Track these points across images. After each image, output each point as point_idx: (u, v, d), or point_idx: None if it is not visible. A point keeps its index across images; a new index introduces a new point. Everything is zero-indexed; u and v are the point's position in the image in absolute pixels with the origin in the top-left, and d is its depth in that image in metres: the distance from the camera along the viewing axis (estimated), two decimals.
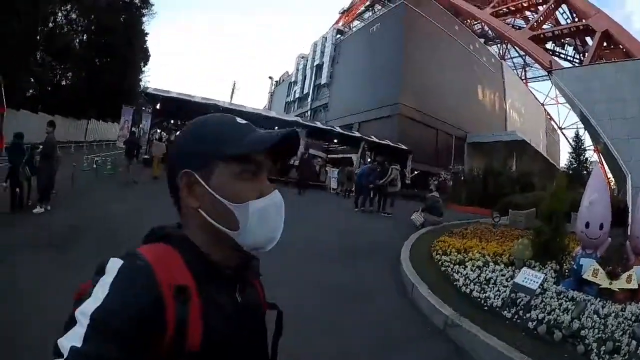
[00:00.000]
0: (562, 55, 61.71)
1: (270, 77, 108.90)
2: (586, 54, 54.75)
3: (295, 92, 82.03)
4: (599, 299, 6.03)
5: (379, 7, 69.73)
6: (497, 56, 73.03)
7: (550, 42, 59.99)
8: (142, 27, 50.28)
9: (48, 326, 1.71)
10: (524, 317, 5.51)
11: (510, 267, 7.81)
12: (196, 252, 1.06)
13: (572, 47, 61.91)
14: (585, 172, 34.10)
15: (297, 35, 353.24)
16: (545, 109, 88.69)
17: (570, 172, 39.69)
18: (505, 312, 5.74)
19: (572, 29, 55.78)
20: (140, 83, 48.01)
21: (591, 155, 48.37)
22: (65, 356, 0.79)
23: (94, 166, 20.33)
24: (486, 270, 7.53)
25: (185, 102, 27.25)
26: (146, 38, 51.96)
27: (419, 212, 15.19)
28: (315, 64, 71.43)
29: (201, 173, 1.07)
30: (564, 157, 68.95)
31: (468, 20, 70.08)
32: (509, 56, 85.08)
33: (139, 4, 48.85)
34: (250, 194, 1.08)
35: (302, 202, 20.16)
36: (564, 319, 5.30)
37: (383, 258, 9.67)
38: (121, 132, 27.11)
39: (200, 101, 27.09)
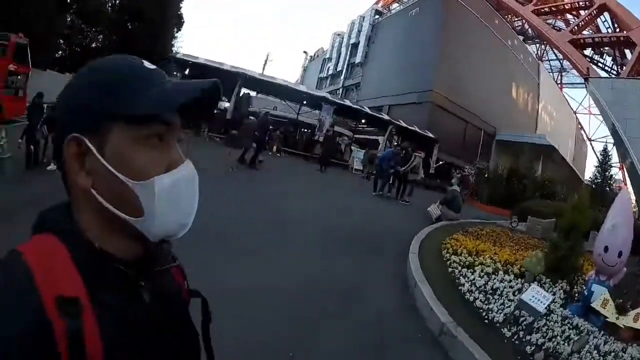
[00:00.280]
0: (600, 65, 60.38)
1: (304, 52, 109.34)
2: (624, 66, 53.49)
3: (328, 68, 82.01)
4: (602, 332, 5.67)
5: None
6: (534, 56, 71.66)
7: (589, 48, 58.71)
8: None
9: None
10: (524, 340, 5.19)
11: (519, 280, 7.35)
12: (87, 246, 0.82)
13: (610, 58, 60.64)
14: (608, 189, 33.18)
15: (335, 12, 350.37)
16: (576, 117, 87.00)
17: (594, 186, 39.00)
18: (506, 329, 5.41)
19: (612, 39, 54.54)
20: (173, 49, 48.09)
21: (616, 172, 47.48)
22: None
23: None
24: (494, 278, 7.14)
25: (213, 69, 27.22)
26: (181, 4, 52.13)
27: (436, 204, 14.76)
28: (351, 42, 71.18)
29: (93, 138, 0.82)
30: (589, 170, 68.10)
31: (509, 16, 68.84)
32: (546, 58, 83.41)
33: None
34: (157, 167, 0.85)
35: (321, 179, 20.36)
36: (564, 349, 5.01)
37: (391, 249, 9.35)
38: None
39: (229, 69, 27.00)
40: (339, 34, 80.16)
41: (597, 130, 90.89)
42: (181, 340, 0.99)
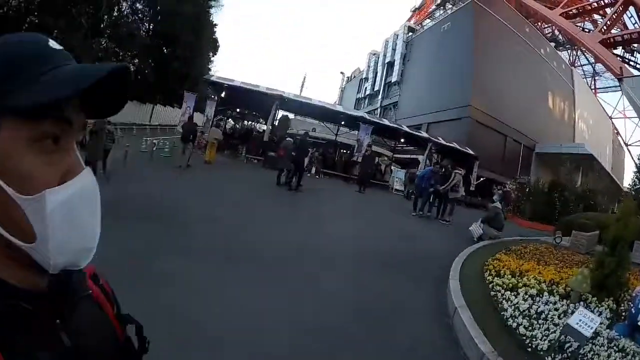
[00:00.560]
0: (632, 63, 59.42)
1: (341, 73, 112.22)
2: None
3: (365, 88, 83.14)
4: None
5: (450, 6, 68.93)
6: (567, 62, 70.65)
7: (620, 47, 57.76)
8: (210, 19, 51.81)
9: None
10: None
11: (565, 301, 7.14)
12: None
13: None
14: None
15: (370, 32, 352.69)
16: (612, 123, 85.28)
17: (634, 192, 38.21)
18: (549, 358, 5.22)
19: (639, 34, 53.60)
20: (210, 72, 48.99)
21: None
22: None
23: (153, 149, 20.81)
24: (539, 301, 6.95)
25: (248, 91, 27.46)
26: (215, 29, 53.99)
27: (478, 223, 14.48)
28: (386, 61, 72.39)
29: None
30: (627, 176, 66.72)
31: (538, 23, 68.21)
32: (578, 63, 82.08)
33: None
34: (49, 177, 0.70)
35: (360, 200, 20.24)
36: None
37: (430, 272, 9.24)
38: (182, 117, 27.47)
39: (264, 91, 27.22)
40: (374, 53, 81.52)
41: (633, 134, 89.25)
42: None
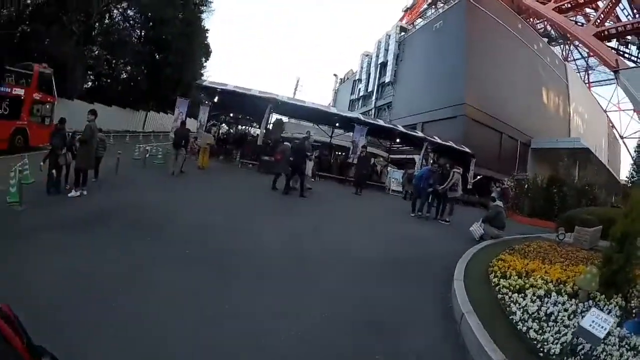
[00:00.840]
0: (627, 55, 59.61)
1: (334, 75, 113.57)
2: None
3: (359, 90, 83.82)
4: None
5: (442, 4, 69.18)
6: (560, 57, 71.08)
7: (614, 40, 57.94)
8: (202, 24, 52.15)
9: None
10: None
11: (573, 300, 6.94)
12: None
13: (635, 47, 59.77)
14: None
15: (363, 33, 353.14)
16: (607, 116, 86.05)
17: (630, 184, 38.40)
18: None
19: (634, 25, 53.54)
20: (202, 77, 49.05)
21: None
22: None
23: (146, 156, 20.91)
24: (547, 302, 6.73)
25: (241, 95, 27.34)
26: (207, 34, 54.61)
27: (479, 223, 14.25)
28: (379, 62, 73.16)
29: None
30: (624, 169, 67.23)
31: (530, 19, 68.56)
32: (571, 58, 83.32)
33: (197, 1, 50.52)
34: None
35: (357, 202, 20.15)
36: None
37: (433, 275, 8.93)
38: (175, 123, 27.37)
39: (257, 94, 27.10)
40: (367, 54, 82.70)
41: (627, 126, 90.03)
42: None
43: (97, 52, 39.81)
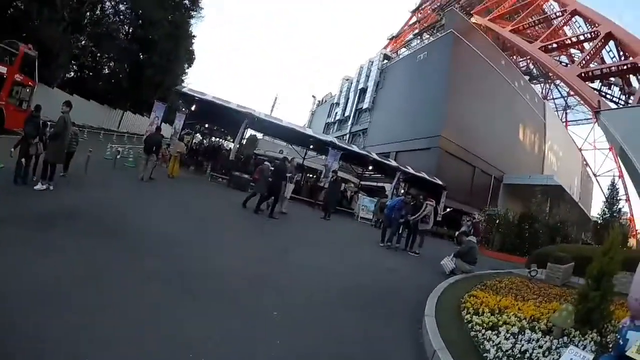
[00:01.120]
0: (609, 96, 60.68)
1: (313, 96, 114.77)
2: (632, 95, 53.47)
3: (336, 113, 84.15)
4: None
5: (427, 36, 69.90)
6: (540, 96, 72.29)
7: (597, 81, 58.85)
8: (190, 29, 52.12)
9: None
10: None
11: (547, 337, 6.83)
12: None
13: (618, 88, 60.77)
14: (617, 223, 33.01)
15: (344, 59, 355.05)
16: (582, 154, 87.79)
17: (601, 222, 39.14)
18: None
19: (619, 67, 54.38)
20: (183, 83, 48.85)
21: (622, 205, 48.41)
22: None
23: (117, 157, 20.59)
24: (521, 339, 6.64)
25: (219, 107, 27.12)
26: (193, 41, 54.45)
27: (450, 257, 14.10)
28: (359, 87, 73.45)
29: None
30: (595, 206, 68.47)
31: (514, 57, 69.50)
32: (551, 96, 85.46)
33: (188, 5, 50.54)
34: None
35: (325, 228, 19.81)
36: None
37: (403, 310, 8.59)
38: (150, 127, 27.01)
39: (235, 108, 26.86)
40: (347, 79, 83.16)
41: (602, 165, 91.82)
42: None
43: (83, 42, 39.44)
